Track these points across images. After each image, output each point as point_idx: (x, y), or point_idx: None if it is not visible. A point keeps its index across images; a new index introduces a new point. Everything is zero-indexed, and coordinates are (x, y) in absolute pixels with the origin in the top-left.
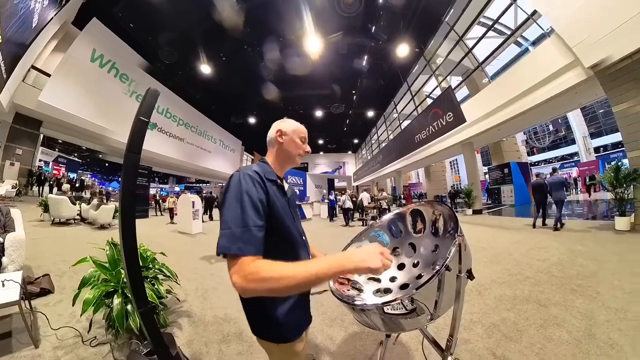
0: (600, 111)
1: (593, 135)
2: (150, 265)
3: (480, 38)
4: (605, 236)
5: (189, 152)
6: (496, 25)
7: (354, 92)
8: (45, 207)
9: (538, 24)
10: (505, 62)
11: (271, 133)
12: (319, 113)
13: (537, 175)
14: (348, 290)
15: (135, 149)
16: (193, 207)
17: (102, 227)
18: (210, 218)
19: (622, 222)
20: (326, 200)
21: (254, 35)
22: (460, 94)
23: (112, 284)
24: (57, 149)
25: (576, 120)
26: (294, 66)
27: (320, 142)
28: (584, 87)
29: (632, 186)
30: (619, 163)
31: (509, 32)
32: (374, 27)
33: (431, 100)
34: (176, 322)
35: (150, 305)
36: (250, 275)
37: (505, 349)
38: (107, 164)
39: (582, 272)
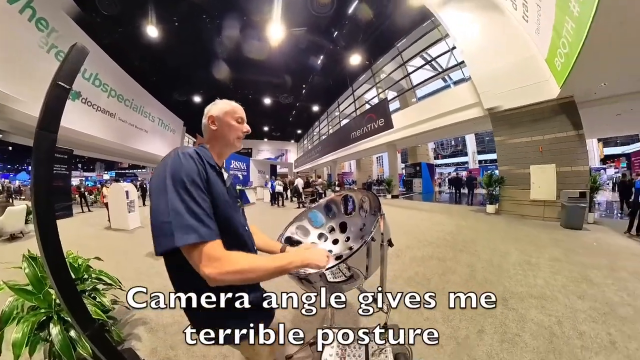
0: (487, 138)
1: (479, 152)
2: (86, 276)
3: (419, 68)
4: (480, 216)
5: (121, 131)
6: (433, 62)
7: (304, 86)
8: None
9: (462, 71)
10: (431, 90)
11: (203, 120)
12: (267, 100)
13: (456, 172)
14: None
15: (50, 127)
16: (127, 197)
17: (13, 237)
18: None
19: (491, 208)
20: (268, 185)
21: (216, 5)
22: (392, 106)
23: (42, 310)
24: None
25: (470, 140)
26: (252, 49)
27: (266, 129)
28: (480, 120)
29: (498, 187)
30: (492, 172)
31: (440, 70)
32: (336, 33)
33: (369, 106)
34: (133, 334)
35: (98, 324)
36: (227, 266)
37: (420, 292)
38: (10, 148)
39: (466, 238)
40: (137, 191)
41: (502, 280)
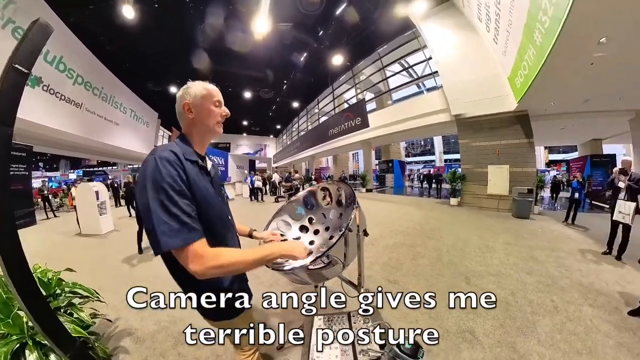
0: (452, 140)
1: (445, 152)
2: (58, 291)
3: (396, 73)
4: (445, 208)
5: (88, 124)
6: (410, 69)
7: (285, 82)
8: None
9: (435, 80)
10: (406, 94)
11: (178, 108)
12: (248, 94)
13: (429, 170)
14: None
15: (4, 119)
16: (98, 198)
17: None
18: (131, 213)
19: (454, 201)
20: (248, 180)
21: None
22: (369, 106)
23: (14, 337)
24: None
25: (437, 141)
26: (235, 40)
27: (245, 123)
28: (447, 125)
29: (460, 183)
30: (456, 170)
31: (415, 77)
32: (321, 32)
33: (347, 105)
34: (119, 347)
35: (79, 342)
36: (211, 262)
37: (394, 275)
38: None
39: (433, 227)
40: (108, 191)
41: (465, 261)
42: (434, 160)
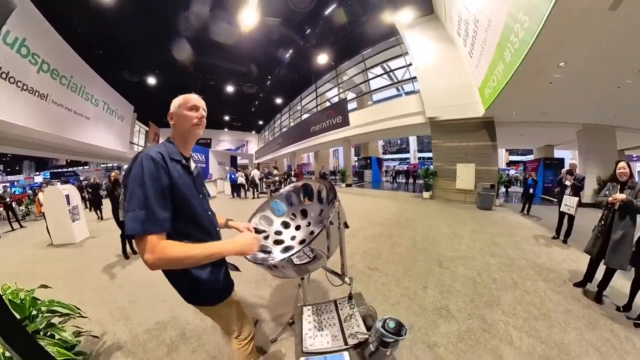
0: (426, 140)
1: (419, 151)
2: (34, 312)
3: (378, 75)
4: (418, 201)
5: (55, 118)
6: (390, 73)
7: (269, 77)
8: None
9: (413, 85)
10: (386, 96)
11: (168, 117)
12: (230, 89)
13: (406, 167)
14: (261, 254)
15: None
16: (69, 203)
17: None
18: (100, 216)
19: (426, 194)
20: (228, 177)
21: None
22: (350, 105)
23: None
24: None
25: (412, 140)
26: (220, 31)
27: (227, 118)
28: (422, 126)
29: (432, 178)
30: (428, 167)
31: (395, 80)
32: (309, 30)
33: (329, 104)
34: None
35: None
36: (158, 254)
37: (375, 263)
38: None
39: (408, 218)
40: (83, 193)
41: (437, 248)
42: (408, 158)
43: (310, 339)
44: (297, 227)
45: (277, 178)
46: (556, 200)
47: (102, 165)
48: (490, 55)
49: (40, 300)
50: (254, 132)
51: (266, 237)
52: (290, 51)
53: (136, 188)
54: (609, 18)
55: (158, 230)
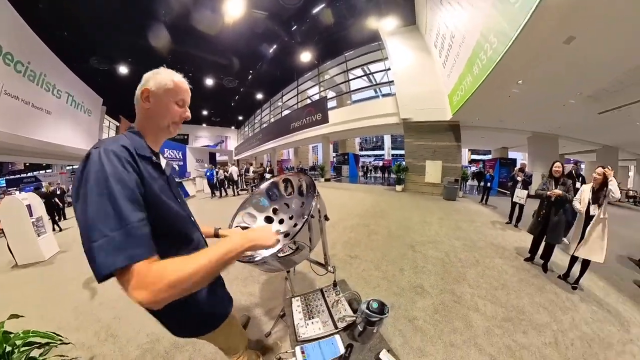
0: (399, 138)
1: (393, 148)
2: (9, 348)
3: (358, 77)
4: (392, 193)
5: (10, 113)
6: (370, 75)
7: (251, 72)
8: None
9: (390, 88)
10: (364, 97)
11: (137, 91)
12: (210, 82)
13: (383, 162)
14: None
15: None
16: (31, 214)
17: None
18: (58, 227)
19: (399, 188)
20: (208, 174)
21: None
22: (330, 103)
23: None
24: None
25: (387, 139)
26: (202, 19)
27: (205, 113)
28: (396, 126)
29: (404, 173)
30: (400, 163)
31: (374, 82)
32: (295, 27)
33: (310, 101)
34: None
35: None
36: (156, 284)
37: (354, 251)
38: None
39: (383, 209)
40: (59, 199)
41: (410, 234)
42: (383, 155)
43: (303, 328)
44: (281, 221)
45: (251, 175)
46: (509, 192)
47: (68, 168)
48: (461, 67)
49: (13, 333)
50: (233, 127)
51: None
52: (275, 46)
53: (98, 199)
54: (562, 50)
55: (147, 254)
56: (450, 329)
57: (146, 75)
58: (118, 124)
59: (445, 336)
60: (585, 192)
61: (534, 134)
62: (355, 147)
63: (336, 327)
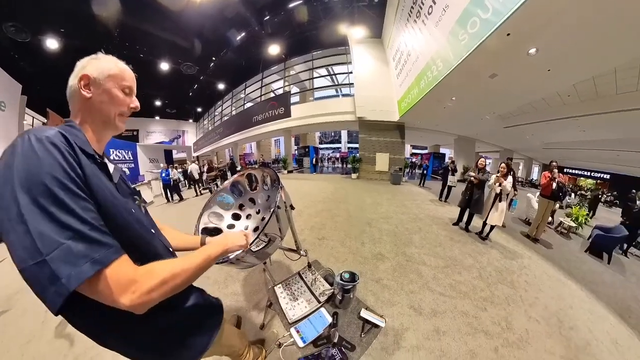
0: (354, 134)
1: (349, 142)
2: None
3: (322, 76)
4: (348, 181)
5: None
6: (333, 76)
7: (214, 58)
8: None
9: (350, 89)
10: (326, 95)
11: (72, 80)
12: (165, 66)
13: (343, 154)
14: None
15: None
16: None
17: None
18: None
19: (354, 176)
20: (163, 175)
21: None
22: (293, 99)
23: None
24: None
25: (344, 133)
26: None
27: (159, 104)
28: (352, 123)
29: (358, 163)
30: (355, 155)
31: (336, 83)
32: (268, 17)
33: (273, 95)
34: None
35: None
36: (146, 284)
37: (321, 233)
38: None
39: (342, 195)
40: None
41: (365, 213)
42: (340, 147)
43: (291, 310)
44: (248, 216)
45: (213, 173)
46: (440, 178)
47: None
48: (411, 80)
49: None
50: (191, 120)
51: (219, 232)
52: (243, 34)
53: (42, 201)
54: (487, 81)
55: (118, 252)
56: (407, 281)
57: (81, 62)
58: (45, 120)
59: (405, 287)
60: (493, 179)
61: (459, 137)
62: (315, 141)
63: (319, 302)
